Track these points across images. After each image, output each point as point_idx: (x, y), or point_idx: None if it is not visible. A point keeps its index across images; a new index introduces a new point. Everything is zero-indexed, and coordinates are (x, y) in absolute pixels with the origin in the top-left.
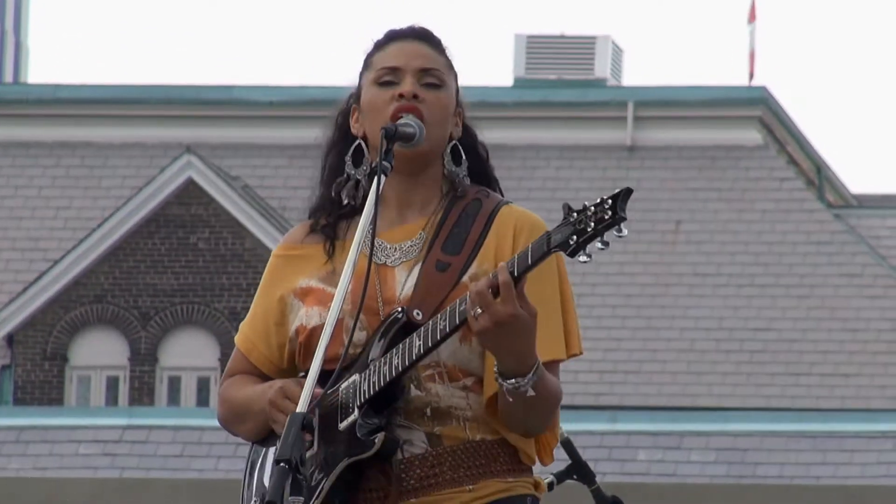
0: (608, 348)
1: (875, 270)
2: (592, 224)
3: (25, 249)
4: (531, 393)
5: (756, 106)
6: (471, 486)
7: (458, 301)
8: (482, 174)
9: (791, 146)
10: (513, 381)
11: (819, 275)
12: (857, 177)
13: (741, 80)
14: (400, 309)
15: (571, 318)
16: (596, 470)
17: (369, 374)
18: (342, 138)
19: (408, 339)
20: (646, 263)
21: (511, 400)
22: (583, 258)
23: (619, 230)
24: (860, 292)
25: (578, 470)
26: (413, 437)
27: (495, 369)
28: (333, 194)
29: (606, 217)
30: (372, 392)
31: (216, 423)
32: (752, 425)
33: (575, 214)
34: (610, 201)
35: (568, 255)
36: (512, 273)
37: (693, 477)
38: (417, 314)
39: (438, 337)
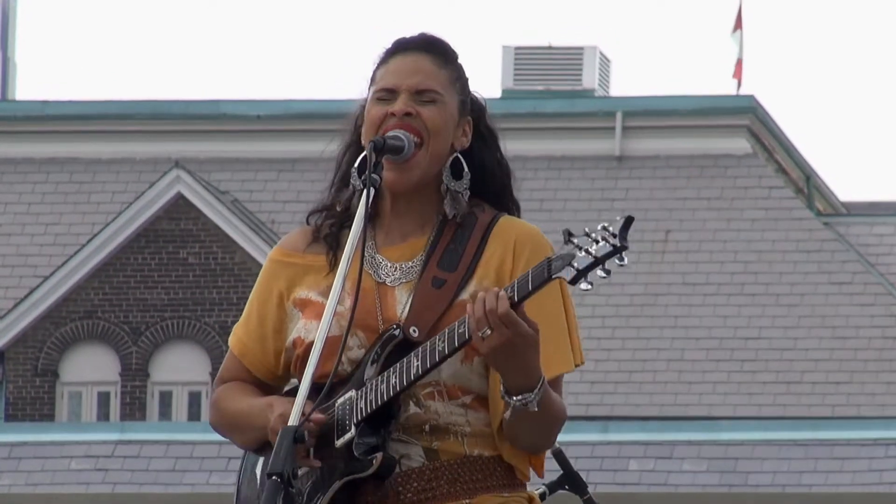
0: (599, 359)
1: (864, 278)
2: (594, 252)
3: (15, 266)
4: (535, 409)
5: (744, 114)
6: (468, 501)
7: (456, 323)
8: (496, 187)
9: (779, 154)
10: (519, 397)
11: (809, 283)
12: (846, 184)
13: (729, 88)
14: (396, 326)
15: (574, 328)
16: (588, 480)
17: (366, 392)
18: (353, 143)
19: (405, 359)
20: (635, 273)
21: (517, 417)
22: (584, 286)
23: (621, 259)
24: (850, 300)
25: (570, 480)
26: (411, 451)
27: (501, 388)
28: (338, 207)
29: (608, 246)
30: (369, 410)
31: (208, 437)
32: (744, 434)
33: (575, 241)
34: (611, 229)
35: (570, 283)
36: (512, 300)
37: (685, 486)
38: (414, 331)
39: (437, 359)
